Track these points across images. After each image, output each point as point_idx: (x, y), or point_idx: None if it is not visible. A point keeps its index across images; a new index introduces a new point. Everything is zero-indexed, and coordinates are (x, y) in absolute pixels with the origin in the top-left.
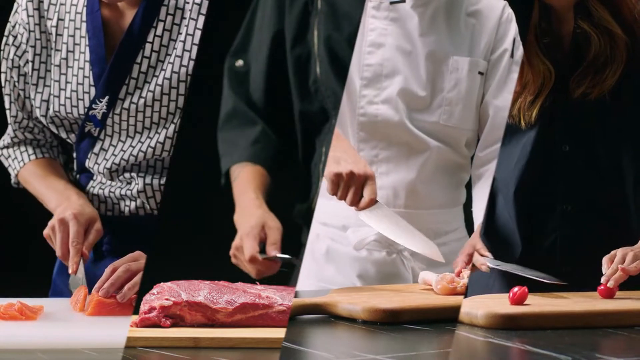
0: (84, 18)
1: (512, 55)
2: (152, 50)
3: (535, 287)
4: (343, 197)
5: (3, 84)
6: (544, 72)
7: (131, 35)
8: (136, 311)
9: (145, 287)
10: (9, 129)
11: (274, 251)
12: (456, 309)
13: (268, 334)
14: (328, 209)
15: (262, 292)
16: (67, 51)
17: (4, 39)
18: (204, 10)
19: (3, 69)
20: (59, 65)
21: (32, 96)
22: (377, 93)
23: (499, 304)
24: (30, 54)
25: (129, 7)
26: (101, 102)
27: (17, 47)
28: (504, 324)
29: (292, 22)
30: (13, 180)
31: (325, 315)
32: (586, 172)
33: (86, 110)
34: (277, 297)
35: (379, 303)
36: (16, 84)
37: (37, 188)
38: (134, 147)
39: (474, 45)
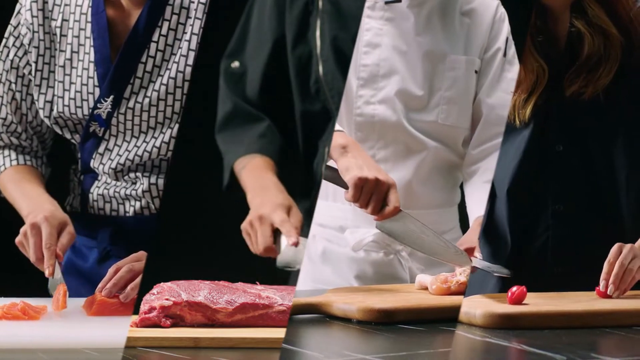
0: (89, 19)
1: (504, 54)
2: (157, 50)
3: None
4: (364, 205)
5: None
6: (537, 70)
7: (136, 35)
8: (136, 311)
9: (145, 287)
10: None
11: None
12: (452, 309)
13: (268, 334)
14: (324, 210)
15: (262, 292)
16: (72, 52)
17: (4, 40)
18: None
19: None
20: (63, 66)
21: (35, 97)
22: (373, 93)
23: (497, 303)
24: (34, 54)
25: (134, 6)
26: (106, 101)
27: (19, 48)
28: (502, 324)
29: (293, 23)
30: None
31: (320, 315)
32: (580, 171)
33: (90, 110)
34: (277, 297)
35: (374, 303)
36: (12, 86)
37: (12, 194)
38: (138, 147)
39: (469, 44)
